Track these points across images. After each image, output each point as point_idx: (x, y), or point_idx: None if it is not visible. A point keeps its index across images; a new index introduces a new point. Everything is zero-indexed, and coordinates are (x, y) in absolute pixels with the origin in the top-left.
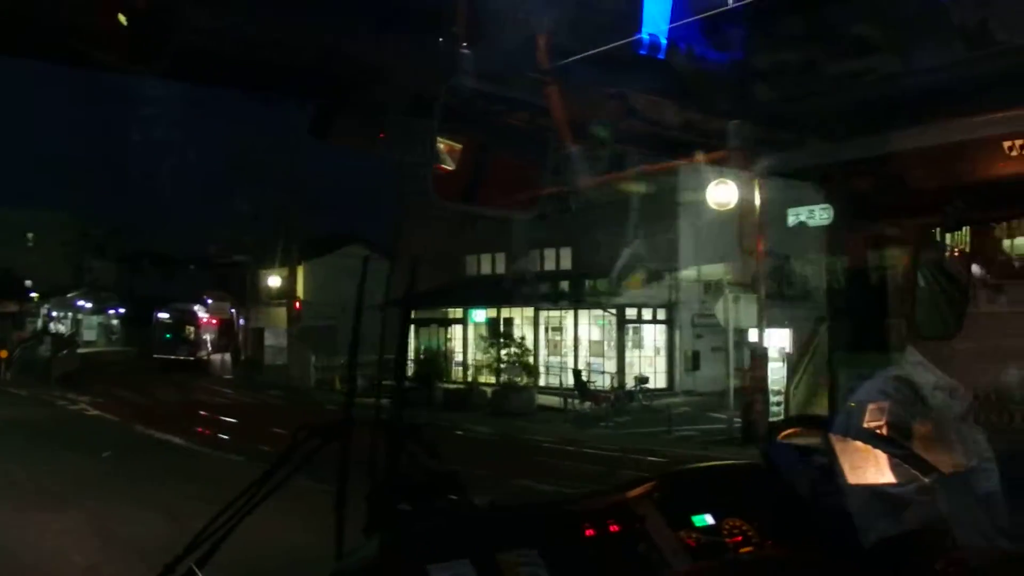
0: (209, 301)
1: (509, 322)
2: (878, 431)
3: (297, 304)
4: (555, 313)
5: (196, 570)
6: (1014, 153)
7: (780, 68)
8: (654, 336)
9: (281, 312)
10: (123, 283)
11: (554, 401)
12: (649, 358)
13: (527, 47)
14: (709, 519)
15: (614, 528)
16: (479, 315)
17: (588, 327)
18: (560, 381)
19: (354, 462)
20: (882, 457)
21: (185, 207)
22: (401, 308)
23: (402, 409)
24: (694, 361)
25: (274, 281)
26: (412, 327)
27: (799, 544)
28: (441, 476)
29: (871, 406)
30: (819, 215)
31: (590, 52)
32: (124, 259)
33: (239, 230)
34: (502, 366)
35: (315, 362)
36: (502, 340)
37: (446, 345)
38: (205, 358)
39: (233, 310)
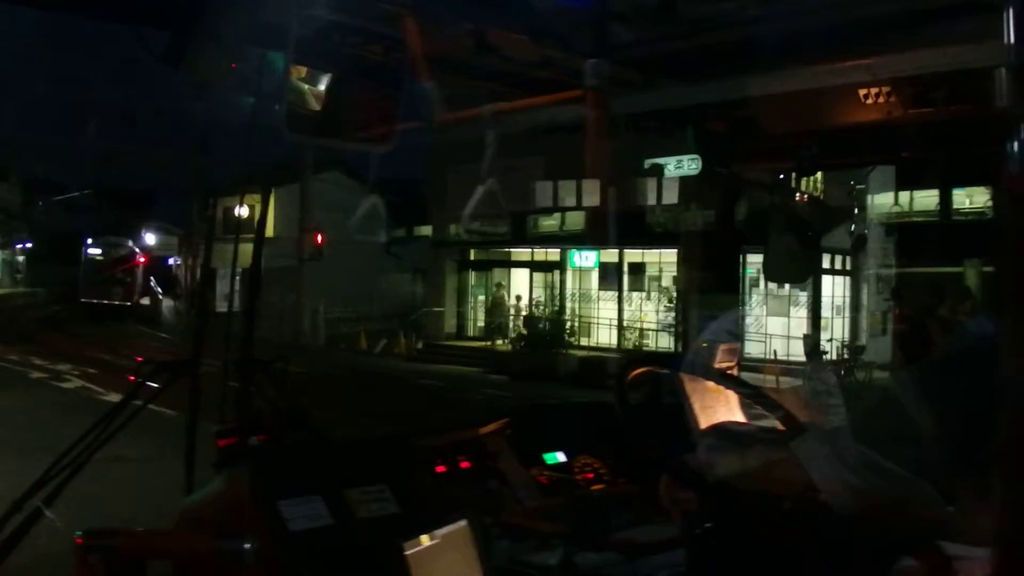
0: (149, 235)
1: (639, 268)
2: (728, 370)
3: (319, 237)
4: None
5: (44, 508)
6: (869, 101)
7: (639, 8)
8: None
9: (247, 250)
10: (31, 215)
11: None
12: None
13: None
14: (561, 457)
15: (465, 464)
16: (586, 258)
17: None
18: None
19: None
20: (731, 396)
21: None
22: (254, 247)
23: (251, 345)
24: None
25: (242, 211)
26: (470, 272)
27: (649, 482)
28: (291, 412)
29: (721, 346)
30: (688, 165)
31: None
32: (31, 187)
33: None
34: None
35: (324, 312)
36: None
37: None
38: (149, 304)
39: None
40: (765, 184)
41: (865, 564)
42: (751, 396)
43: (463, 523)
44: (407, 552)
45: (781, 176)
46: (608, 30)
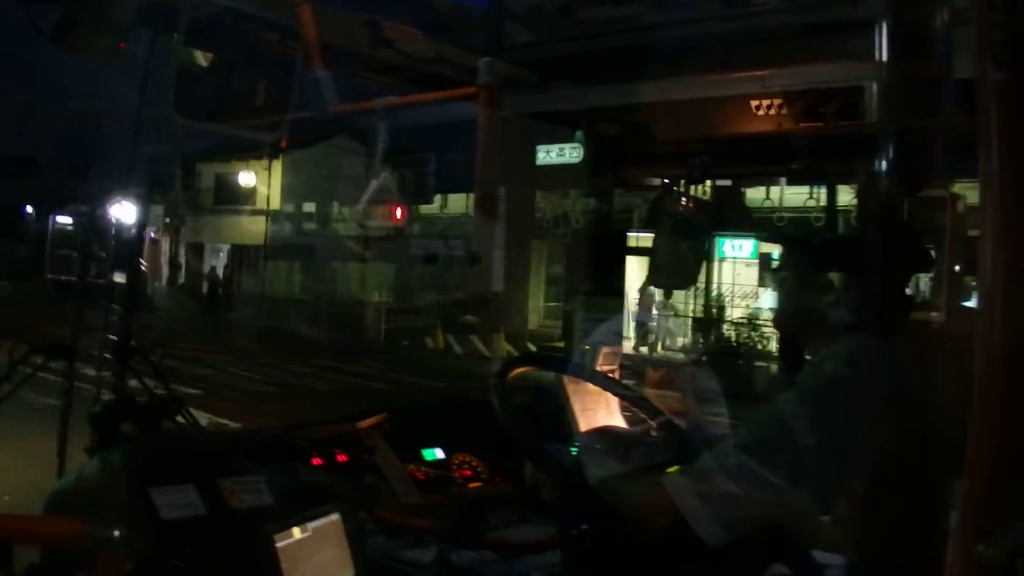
0: (123, 204)
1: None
2: (610, 373)
3: (399, 211)
4: None
5: None
6: (761, 112)
7: (536, 9)
8: None
9: (246, 223)
10: None
11: None
12: None
13: None
14: (440, 453)
15: (342, 457)
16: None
17: None
18: None
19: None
20: (612, 399)
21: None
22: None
23: (130, 330)
24: None
25: (245, 179)
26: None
27: (527, 481)
28: (167, 399)
29: (605, 349)
30: (569, 153)
31: None
32: None
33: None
34: None
35: (380, 300)
36: None
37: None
38: (125, 282)
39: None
40: (654, 189)
41: (739, 568)
42: (632, 400)
43: (335, 516)
44: (278, 544)
45: (668, 181)
46: (504, 30)
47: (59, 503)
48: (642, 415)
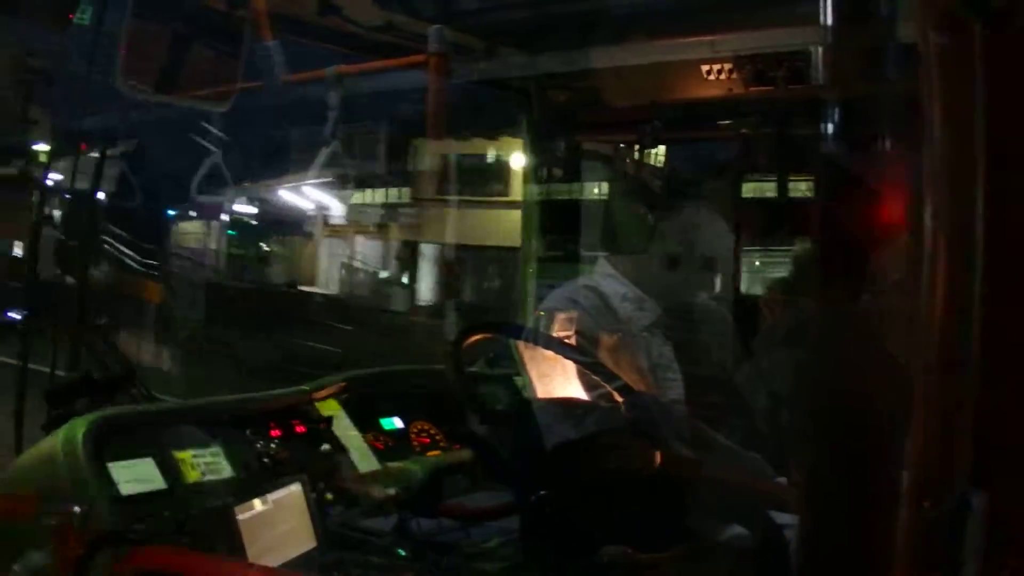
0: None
1: None
2: (565, 339)
3: None
4: None
5: None
6: (711, 77)
7: None
8: None
9: (494, 218)
10: None
11: None
12: None
13: None
14: (398, 422)
15: (300, 428)
16: None
17: None
18: None
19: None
20: (568, 365)
21: None
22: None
23: (85, 304)
24: None
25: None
26: None
27: (485, 448)
28: (121, 374)
29: (560, 315)
30: None
31: None
32: None
33: None
34: None
35: None
36: None
37: None
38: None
39: None
40: (606, 155)
41: (696, 532)
42: (589, 366)
43: (296, 487)
44: (239, 516)
45: (622, 147)
46: None
47: (17, 480)
48: (598, 380)
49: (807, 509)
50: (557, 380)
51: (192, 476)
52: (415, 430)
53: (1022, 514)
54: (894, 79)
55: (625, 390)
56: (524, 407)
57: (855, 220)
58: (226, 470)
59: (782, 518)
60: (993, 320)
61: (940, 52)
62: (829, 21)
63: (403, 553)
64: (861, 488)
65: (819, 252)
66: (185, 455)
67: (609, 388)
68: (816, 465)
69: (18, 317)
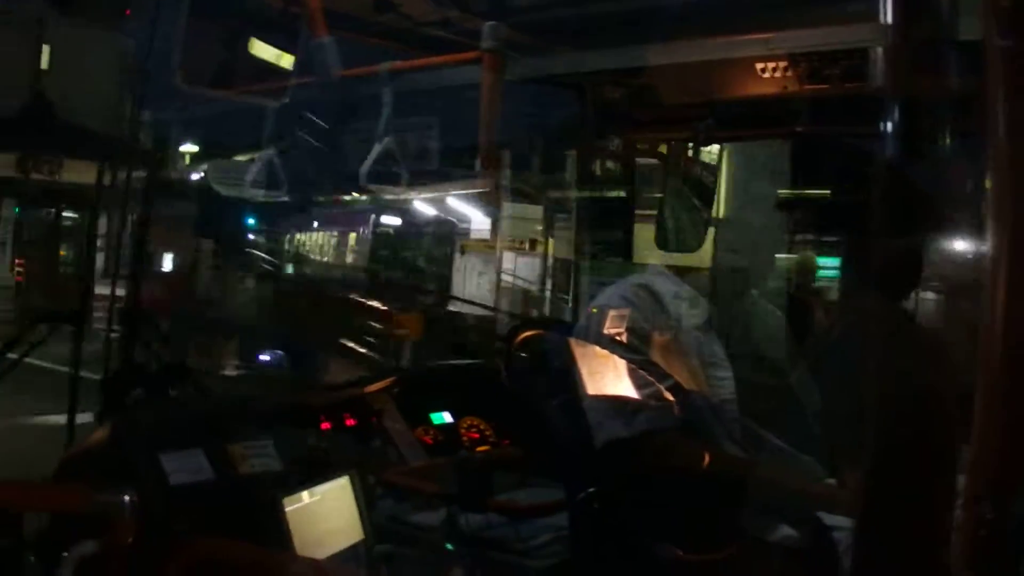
0: None
1: None
2: (617, 337)
3: None
4: None
5: None
6: (766, 75)
7: None
8: None
9: None
10: None
11: None
12: None
13: None
14: (447, 417)
15: (350, 422)
16: None
17: None
18: None
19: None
20: (620, 363)
21: None
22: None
23: (138, 297)
24: None
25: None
26: None
27: (535, 444)
28: (175, 366)
29: (612, 312)
30: None
31: None
32: None
33: None
34: None
35: None
36: None
37: None
38: None
39: None
40: (660, 152)
41: (745, 532)
42: (640, 364)
43: (345, 480)
44: (287, 508)
45: (675, 145)
46: None
47: (69, 470)
48: (650, 379)
49: (862, 511)
50: (608, 377)
51: (242, 468)
52: (465, 425)
53: None
54: (956, 78)
55: (676, 389)
56: (575, 404)
57: (910, 220)
58: (276, 462)
59: (832, 520)
60: None
61: (1004, 55)
62: (889, 18)
63: (451, 548)
64: (917, 491)
65: (876, 252)
66: (235, 447)
67: (661, 387)
68: (872, 467)
69: (274, 360)
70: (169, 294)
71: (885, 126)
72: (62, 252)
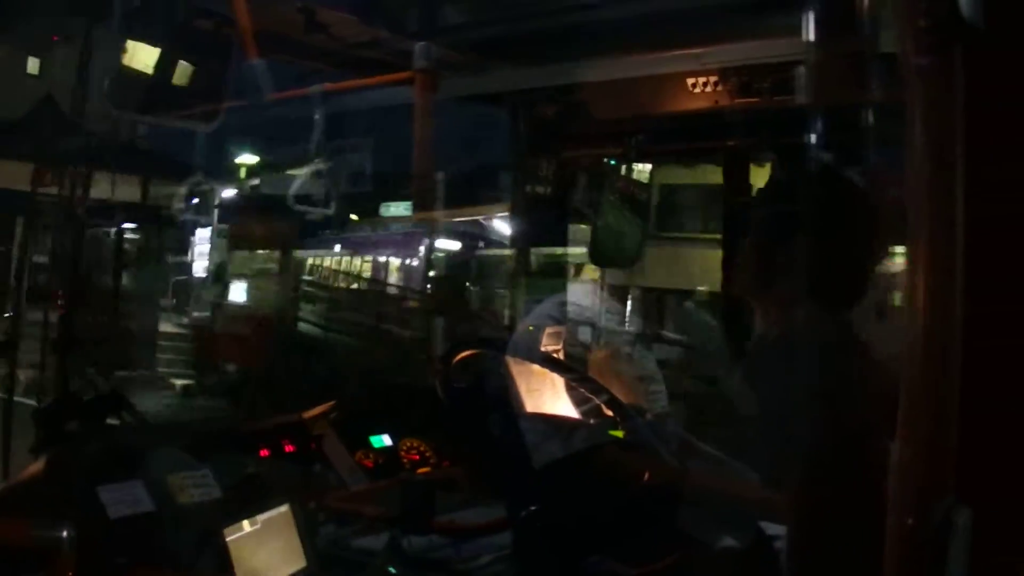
0: None
1: None
2: (555, 353)
3: None
4: None
5: None
6: (697, 90)
7: None
8: None
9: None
10: None
11: None
12: None
13: None
14: (387, 440)
15: (289, 448)
16: None
17: None
18: None
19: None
20: (557, 380)
21: None
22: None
23: (72, 326)
24: None
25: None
26: None
27: (475, 464)
28: (111, 396)
29: (548, 329)
30: None
31: None
32: None
33: None
34: None
35: None
36: None
37: None
38: None
39: None
40: (593, 169)
41: (686, 543)
42: (576, 380)
43: (285, 508)
44: (229, 538)
45: (609, 161)
46: (438, 12)
47: (5, 504)
48: (587, 394)
49: (796, 519)
50: (546, 394)
51: (181, 498)
52: (405, 447)
53: (1006, 530)
54: (880, 90)
55: (613, 403)
56: (513, 424)
57: (847, 229)
58: (215, 491)
59: (772, 528)
60: (976, 335)
61: (921, 72)
62: (811, 35)
63: (395, 571)
64: (850, 497)
65: (808, 258)
66: (174, 477)
67: (597, 401)
68: (805, 474)
69: None
70: None
71: (810, 138)
72: None
